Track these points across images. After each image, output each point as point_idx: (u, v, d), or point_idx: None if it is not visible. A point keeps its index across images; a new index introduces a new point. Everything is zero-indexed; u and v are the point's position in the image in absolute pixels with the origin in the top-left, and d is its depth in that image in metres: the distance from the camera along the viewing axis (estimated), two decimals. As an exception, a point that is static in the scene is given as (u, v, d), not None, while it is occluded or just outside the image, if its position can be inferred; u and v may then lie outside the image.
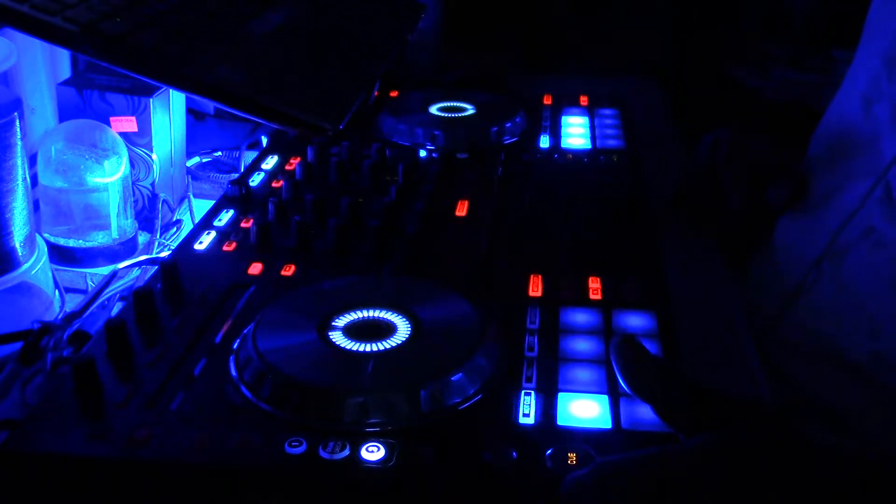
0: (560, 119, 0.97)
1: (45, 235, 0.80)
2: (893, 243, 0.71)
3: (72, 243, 0.80)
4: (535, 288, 0.64)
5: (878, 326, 0.72)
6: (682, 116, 1.09)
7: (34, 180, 0.79)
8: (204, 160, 1.02)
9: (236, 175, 0.88)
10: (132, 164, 0.84)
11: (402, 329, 0.56)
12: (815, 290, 0.78)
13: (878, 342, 0.72)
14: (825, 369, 0.76)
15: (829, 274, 0.77)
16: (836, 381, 0.75)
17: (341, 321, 0.57)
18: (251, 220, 0.73)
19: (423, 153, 0.87)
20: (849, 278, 0.75)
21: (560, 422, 0.50)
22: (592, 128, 0.94)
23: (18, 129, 0.68)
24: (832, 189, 0.78)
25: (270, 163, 0.86)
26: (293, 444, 0.48)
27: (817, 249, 0.78)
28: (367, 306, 0.58)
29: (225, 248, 0.70)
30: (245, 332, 0.57)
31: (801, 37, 1.66)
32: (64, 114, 0.84)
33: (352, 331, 0.56)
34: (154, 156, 0.86)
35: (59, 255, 0.80)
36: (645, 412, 0.50)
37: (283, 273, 0.66)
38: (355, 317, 0.57)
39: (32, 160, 0.79)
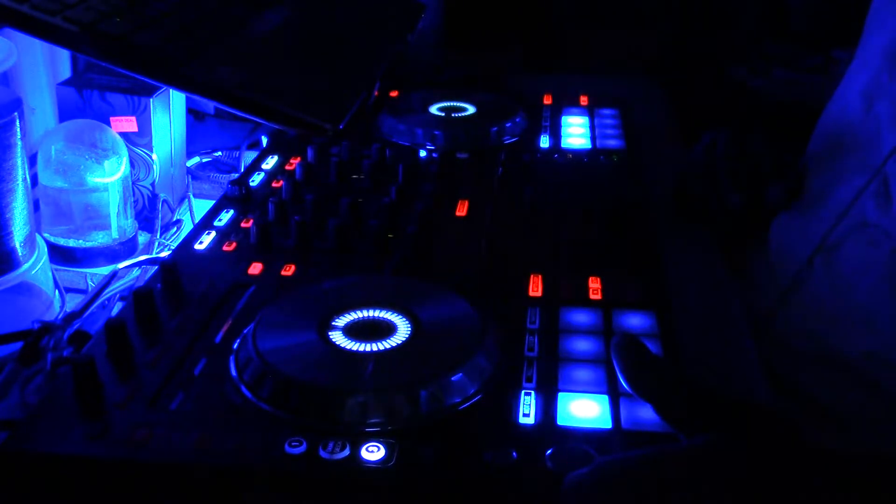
0: (560, 119, 0.97)
1: (45, 235, 0.80)
2: (888, 237, 0.70)
3: (72, 243, 0.80)
4: (535, 288, 0.64)
5: (872, 323, 0.72)
6: (682, 116, 1.09)
7: (34, 180, 0.79)
8: (204, 160, 1.02)
9: (236, 175, 0.88)
10: (132, 164, 0.84)
11: (402, 329, 0.56)
12: (808, 286, 0.78)
13: (872, 339, 0.72)
14: (819, 367, 0.76)
15: (821, 270, 0.76)
16: (830, 378, 0.75)
17: (341, 321, 0.57)
18: (251, 220, 0.73)
19: (423, 153, 0.87)
20: (841, 274, 0.74)
21: (560, 422, 0.50)
22: (592, 128, 0.94)
23: (18, 129, 0.68)
24: (828, 185, 0.78)
25: (270, 163, 0.86)
26: (293, 444, 0.48)
27: (811, 246, 0.78)
28: (367, 306, 0.58)
29: (225, 248, 0.70)
30: (245, 332, 0.57)
31: (801, 37, 1.66)
32: (64, 114, 0.84)
33: (352, 331, 0.56)
34: (154, 156, 0.86)
35: (59, 255, 0.80)
36: (645, 412, 0.50)
37: (283, 273, 0.66)
38: (355, 317, 0.57)
39: (32, 160, 0.79)
